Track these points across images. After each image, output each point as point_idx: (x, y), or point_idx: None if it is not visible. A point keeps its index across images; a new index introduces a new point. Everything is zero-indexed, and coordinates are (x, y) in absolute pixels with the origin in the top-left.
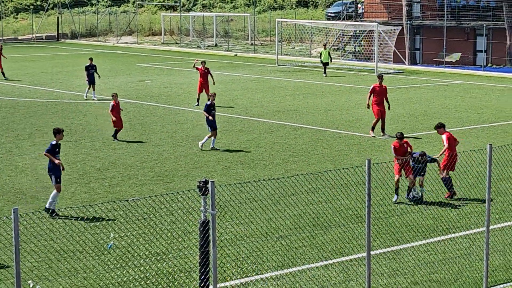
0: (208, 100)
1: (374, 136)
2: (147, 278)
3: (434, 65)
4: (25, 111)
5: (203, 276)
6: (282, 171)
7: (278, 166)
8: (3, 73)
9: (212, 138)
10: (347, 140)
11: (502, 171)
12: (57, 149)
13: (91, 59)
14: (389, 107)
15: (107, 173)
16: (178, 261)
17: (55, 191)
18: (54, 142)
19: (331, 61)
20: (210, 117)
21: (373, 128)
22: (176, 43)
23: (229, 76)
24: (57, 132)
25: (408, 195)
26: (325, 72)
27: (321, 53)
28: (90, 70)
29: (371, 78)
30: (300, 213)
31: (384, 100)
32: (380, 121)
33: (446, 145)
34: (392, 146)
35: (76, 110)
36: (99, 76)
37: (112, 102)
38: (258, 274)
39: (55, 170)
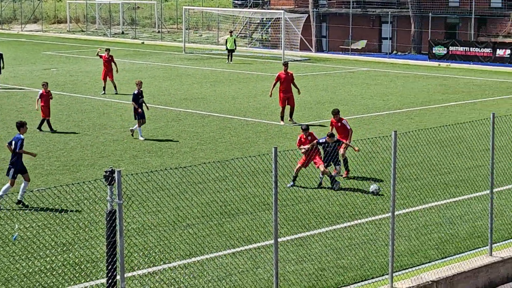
0: (136, 89)
1: (284, 125)
2: (53, 269)
3: (340, 52)
4: None
5: (110, 266)
6: (189, 159)
7: (186, 154)
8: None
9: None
10: (255, 128)
11: (407, 157)
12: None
13: None
14: (298, 92)
15: None
16: (85, 251)
17: (24, 182)
18: (22, 137)
19: (236, 47)
20: (140, 110)
21: (282, 118)
22: (82, 31)
23: (136, 64)
24: (21, 125)
25: (333, 186)
26: (231, 59)
27: (227, 40)
28: None
29: (278, 65)
30: (207, 201)
31: (292, 86)
32: (289, 108)
33: (350, 127)
34: (298, 138)
35: None
36: (3, 67)
37: (41, 91)
38: (166, 263)
39: (17, 164)
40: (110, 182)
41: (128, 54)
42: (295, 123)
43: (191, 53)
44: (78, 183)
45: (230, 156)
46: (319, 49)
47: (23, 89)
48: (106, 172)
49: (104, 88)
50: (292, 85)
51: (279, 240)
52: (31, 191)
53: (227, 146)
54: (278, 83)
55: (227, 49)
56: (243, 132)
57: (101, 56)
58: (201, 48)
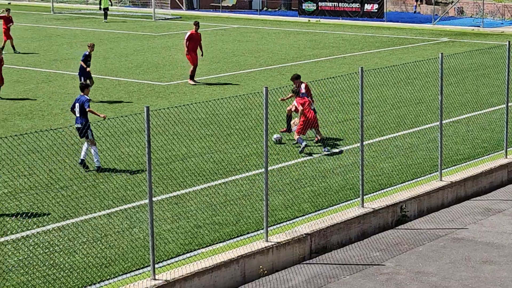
0: (87, 51)
1: (195, 84)
2: None
3: (211, 10)
4: None
5: None
6: (61, 121)
7: (57, 116)
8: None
9: None
10: (127, 87)
11: (278, 113)
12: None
13: None
14: (202, 54)
15: None
16: None
17: (94, 146)
18: (88, 97)
19: (111, 5)
20: (88, 69)
21: (191, 77)
22: None
23: None
24: (85, 86)
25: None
26: (106, 18)
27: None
28: None
29: (149, 24)
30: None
31: (198, 47)
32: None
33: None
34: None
35: None
36: None
37: None
38: (40, 227)
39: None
40: None
41: None
42: (196, 83)
43: (60, 13)
44: None
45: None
46: (190, 7)
47: None
48: None
49: (2, 48)
50: (198, 46)
51: (154, 199)
52: None
53: (99, 106)
54: (188, 43)
55: (100, 8)
56: (116, 92)
57: (2, 17)
58: (70, 8)
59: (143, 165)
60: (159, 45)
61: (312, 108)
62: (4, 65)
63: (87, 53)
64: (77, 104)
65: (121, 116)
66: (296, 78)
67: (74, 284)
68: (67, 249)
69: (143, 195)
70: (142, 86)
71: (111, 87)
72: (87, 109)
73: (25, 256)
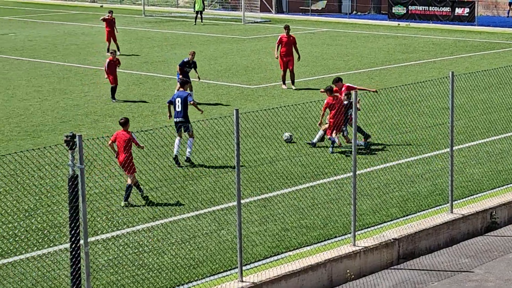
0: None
1: (287, 89)
2: (16, 235)
3: (301, 13)
4: None
5: (73, 231)
6: (151, 122)
7: (147, 118)
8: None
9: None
10: (216, 90)
11: (368, 116)
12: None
13: None
14: (298, 58)
15: None
16: (48, 216)
17: (192, 138)
18: (189, 91)
19: (204, 9)
20: (180, 76)
21: (283, 81)
22: None
23: (95, 28)
24: (185, 83)
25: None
26: (201, 20)
27: (195, 2)
28: None
29: (238, 27)
30: (170, 165)
31: (294, 51)
32: (289, 72)
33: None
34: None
35: None
36: None
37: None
38: (129, 227)
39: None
40: (71, 147)
41: (87, 18)
42: (296, 89)
43: (151, 16)
44: (39, 148)
45: (192, 119)
46: (279, 10)
47: None
48: (67, 137)
49: (108, 49)
50: (294, 49)
51: (242, 201)
52: None
53: (189, 108)
54: (279, 47)
55: (195, 11)
56: (205, 94)
57: (104, 19)
58: (161, 11)
59: (232, 167)
60: (248, 48)
61: (348, 112)
62: (94, 67)
63: (186, 59)
64: (178, 99)
65: (210, 119)
66: (336, 81)
67: (163, 284)
68: (156, 250)
69: (231, 198)
70: (231, 89)
71: (200, 89)
72: (191, 103)
73: (115, 256)
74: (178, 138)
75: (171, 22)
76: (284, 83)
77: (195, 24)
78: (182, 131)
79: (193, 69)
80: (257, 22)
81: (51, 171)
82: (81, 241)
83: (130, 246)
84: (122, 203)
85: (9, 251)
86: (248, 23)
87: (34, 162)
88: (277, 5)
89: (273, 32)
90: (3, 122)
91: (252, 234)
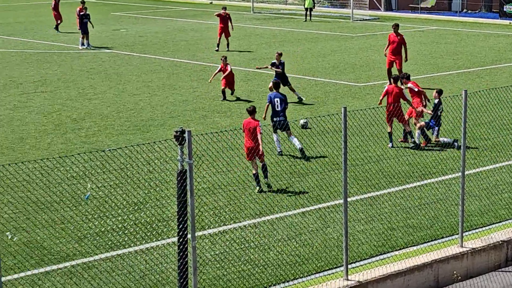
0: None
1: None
2: (125, 228)
3: (410, 11)
4: None
5: (181, 225)
6: (259, 119)
7: (255, 114)
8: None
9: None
10: (323, 88)
11: (477, 116)
12: None
13: (85, 8)
14: (405, 59)
15: (83, 123)
16: (156, 210)
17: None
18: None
19: (314, 7)
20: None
21: (389, 78)
22: None
23: (204, 24)
24: (278, 84)
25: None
26: (310, 17)
27: None
28: (84, 19)
29: (346, 25)
30: (277, 161)
31: (403, 50)
32: (396, 70)
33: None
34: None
35: (51, 60)
36: (92, 26)
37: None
38: (236, 222)
39: None
40: (181, 142)
41: (196, 14)
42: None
43: (260, 13)
44: (148, 142)
45: (300, 116)
46: (388, 8)
47: (111, 48)
48: (176, 132)
49: (218, 44)
50: (402, 48)
51: (348, 199)
52: (103, 151)
53: (295, 106)
54: (389, 45)
55: (305, 8)
56: (312, 91)
57: (218, 15)
58: (269, 8)
59: (338, 165)
60: (357, 46)
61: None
62: (206, 64)
63: (274, 62)
64: (277, 99)
65: (318, 116)
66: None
67: (268, 280)
68: (261, 246)
69: (337, 195)
70: (339, 87)
71: (308, 86)
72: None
73: (221, 251)
74: (275, 135)
75: (279, 19)
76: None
77: (305, 21)
78: (279, 129)
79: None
80: (365, 20)
81: (160, 165)
82: (189, 235)
83: (237, 241)
84: (257, 189)
85: (118, 244)
86: (357, 20)
87: (144, 156)
88: (386, 2)
89: (382, 30)
90: (113, 117)
91: (358, 232)
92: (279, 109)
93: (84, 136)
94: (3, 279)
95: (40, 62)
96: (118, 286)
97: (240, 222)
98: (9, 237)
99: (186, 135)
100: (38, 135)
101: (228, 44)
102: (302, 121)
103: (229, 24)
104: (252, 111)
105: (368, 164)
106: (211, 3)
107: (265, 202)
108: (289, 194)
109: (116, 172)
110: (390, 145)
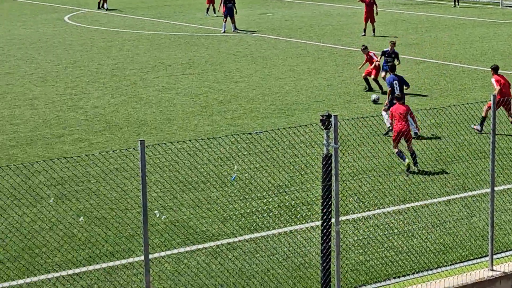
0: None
1: None
2: (269, 210)
3: None
4: (148, 44)
5: (325, 209)
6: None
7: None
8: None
9: None
10: (471, 75)
11: None
12: None
13: None
14: None
15: (229, 105)
16: (300, 194)
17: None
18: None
19: None
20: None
21: None
22: None
23: (349, 9)
24: (394, 67)
25: None
26: (458, 3)
27: None
28: (228, 4)
29: (495, 11)
30: (422, 148)
31: None
32: None
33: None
34: None
35: (198, 43)
36: (236, 12)
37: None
38: (379, 208)
39: None
40: (327, 126)
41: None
42: None
43: None
44: (294, 126)
45: (445, 103)
46: None
47: (254, 32)
48: (322, 116)
49: (364, 30)
50: None
51: (495, 189)
52: (250, 133)
53: (442, 92)
54: None
55: None
56: (459, 79)
57: (363, 0)
58: None
59: (485, 153)
60: (505, 33)
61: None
62: (351, 49)
63: (386, 50)
64: (395, 82)
65: (465, 104)
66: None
67: (411, 267)
68: (405, 233)
69: (484, 184)
70: (487, 74)
71: (454, 73)
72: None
73: (364, 236)
74: (384, 112)
75: (427, 4)
76: None
77: (454, 7)
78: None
79: (395, 59)
80: None
81: (305, 149)
82: (332, 220)
83: (380, 227)
84: (406, 162)
85: (262, 225)
86: (506, 7)
87: (289, 140)
88: None
89: None
90: (259, 100)
91: (504, 222)
92: (397, 91)
93: (230, 118)
94: (150, 256)
95: (188, 45)
96: (261, 267)
97: (384, 208)
98: (157, 215)
99: (332, 119)
100: (185, 116)
101: (374, 29)
102: (374, 96)
103: (374, 9)
104: (400, 98)
105: None
106: None
107: (409, 188)
108: (434, 181)
109: (261, 155)
110: None
